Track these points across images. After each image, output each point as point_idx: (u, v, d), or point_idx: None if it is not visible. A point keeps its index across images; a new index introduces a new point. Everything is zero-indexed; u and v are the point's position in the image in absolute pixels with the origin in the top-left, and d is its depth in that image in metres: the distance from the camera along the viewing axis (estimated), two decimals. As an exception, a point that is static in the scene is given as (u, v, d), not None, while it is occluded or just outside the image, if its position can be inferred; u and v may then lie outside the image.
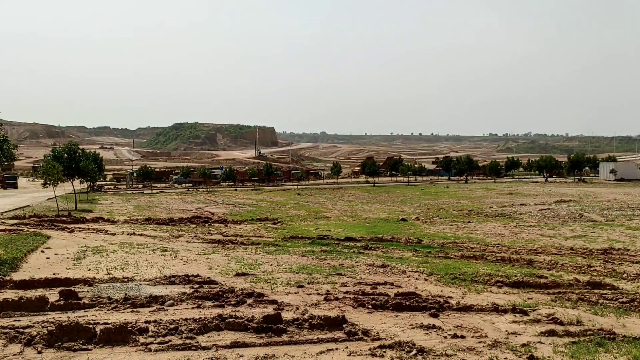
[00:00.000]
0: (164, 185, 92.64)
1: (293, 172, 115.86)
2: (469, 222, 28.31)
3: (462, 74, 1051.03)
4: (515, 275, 13.56)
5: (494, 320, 9.56)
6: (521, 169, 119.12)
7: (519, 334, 8.79)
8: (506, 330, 8.98)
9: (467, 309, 10.22)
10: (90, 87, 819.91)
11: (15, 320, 8.85)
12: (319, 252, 17.84)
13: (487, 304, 10.57)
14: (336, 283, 12.61)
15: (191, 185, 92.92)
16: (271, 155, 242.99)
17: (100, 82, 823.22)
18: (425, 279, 13.33)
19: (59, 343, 7.73)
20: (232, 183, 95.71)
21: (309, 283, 12.54)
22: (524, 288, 12.35)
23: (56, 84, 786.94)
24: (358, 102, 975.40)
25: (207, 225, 27.71)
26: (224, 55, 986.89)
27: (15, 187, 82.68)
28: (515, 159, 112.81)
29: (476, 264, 15.56)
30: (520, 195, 48.69)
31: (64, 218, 28.17)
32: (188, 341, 7.99)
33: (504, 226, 26.03)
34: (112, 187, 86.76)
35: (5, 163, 15.21)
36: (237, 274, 13.56)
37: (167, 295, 10.69)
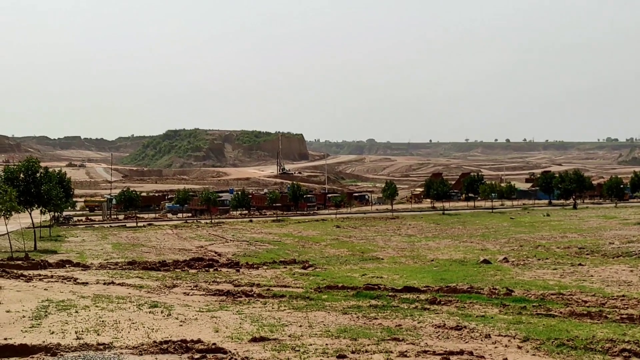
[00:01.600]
0: (153, 215, 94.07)
1: (330, 195, 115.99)
2: (580, 264, 27.78)
3: (562, 56, 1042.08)
4: (649, 342, 13.19)
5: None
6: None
7: None
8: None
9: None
10: (52, 84, 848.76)
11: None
12: (366, 308, 17.70)
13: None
14: (391, 352, 12.48)
15: (190, 215, 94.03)
16: (299, 173, 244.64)
17: (66, 76, 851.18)
18: (519, 347, 13.09)
19: None
20: (247, 212, 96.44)
21: (353, 352, 12.44)
22: (663, 360, 12.00)
23: (6, 79, 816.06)
24: (418, 98, 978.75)
25: (212, 270, 27.92)
26: (232, 40, 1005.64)
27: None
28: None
29: (592, 325, 15.22)
30: (654, 226, 47.64)
31: (19, 262, 28.79)
32: None
33: (631, 270, 25.44)
34: (84, 218, 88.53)
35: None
36: (254, 339, 13.55)
37: (158, 368, 10.75)
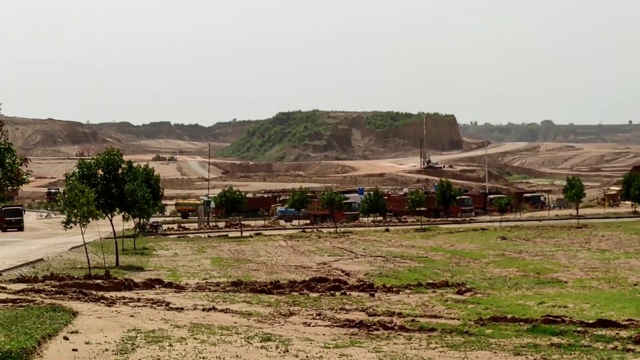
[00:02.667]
0: (261, 222, 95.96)
1: (492, 196, 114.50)
2: None
3: None
4: None
5: None
6: None
7: None
8: None
9: None
10: (135, 60, 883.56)
11: None
12: (546, 348, 17.31)
13: None
14: (584, 408, 12.15)
15: (309, 222, 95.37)
16: (450, 167, 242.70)
17: (150, 51, 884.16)
18: None
19: None
20: (381, 218, 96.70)
21: (531, 406, 12.20)
22: None
23: (84, 59, 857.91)
24: (613, 66, 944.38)
25: (338, 294, 28.08)
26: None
27: (21, 229, 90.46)
28: None
29: None
30: None
31: (99, 281, 30.09)
32: None
33: None
34: (176, 226, 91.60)
35: (9, 188, 16.52)
36: (397, 386, 13.55)
37: (275, 420, 10.92)
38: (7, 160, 15.58)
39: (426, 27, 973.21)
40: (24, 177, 16.06)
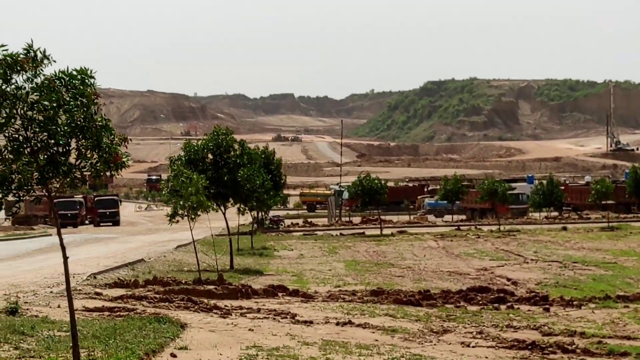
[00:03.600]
0: (405, 217, 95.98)
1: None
2: None
3: None
4: None
5: None
6: None
7: None
8: None
9: None
10: (252, 23, 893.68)
11: None
12: None
13: None
14: None
15: (465, 217, 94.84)
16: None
17: (270, 10, 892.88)
18: None
19: None
20: (556, 213, 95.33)
21: None
22: None
23: (185, 23, 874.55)
24: None
25: (504, 307, 27.85)
26: None
27: (117, 223, 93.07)
28: None
29: None
30: None
31: (211, 287, 30.65)
32: None
33: None
34: (301, 221, 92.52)
35: (106, 174, 16.81)
36: None
37: None
38: (104, 140, 15.78)
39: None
40: (124, 160, 16.24)
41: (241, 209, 47.00)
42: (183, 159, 41.10)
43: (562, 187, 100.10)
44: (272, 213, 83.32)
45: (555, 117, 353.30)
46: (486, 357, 19.30)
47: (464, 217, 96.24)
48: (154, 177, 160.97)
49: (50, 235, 67.13)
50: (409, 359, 18.62)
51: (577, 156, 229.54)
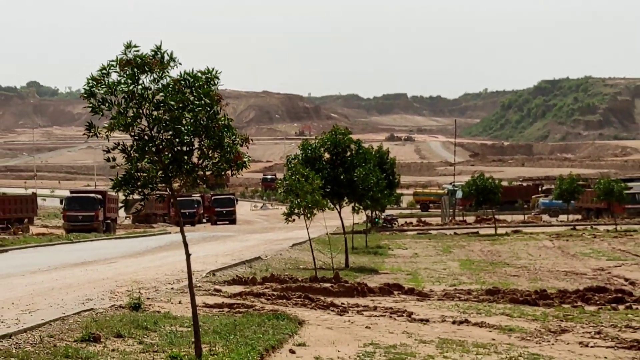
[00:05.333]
0: (520, 216, 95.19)
1: None
2: None
3: None
4: None
5: None
6: None
7: None
8: None
9: None
10: (365, 22, 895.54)
11: None
12: None
13: None
14: None
15: (580, 217, 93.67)
16: None
17: (381, 10, 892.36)
18: None
19: None
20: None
21: None
22: None
23: (303, 23, 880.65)
24: None
25: (622, 307, 27.47)
26: None
27: (233, 221, 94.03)
28: None
29: None
30: None
31: (327, 285, 30.81)
32: None
33: None
34: (415, 220, 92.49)
35: (227, 174, 17.01)
36: None
37: None
38: (226, 140, 15.92)
39: None
40: (245, 160, 16.35)
41: (356, 207, 47.09)
42: (300, 157, 41.28)
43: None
44: (386, 212, 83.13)
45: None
46: (605, 358, 19.07)
47: (579, 216, 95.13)
48: (269, 177, 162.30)
49: (169, 233, 68.23)
50: (527, 358, 18.51)
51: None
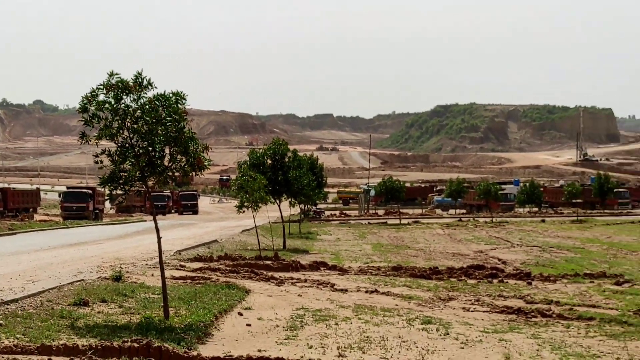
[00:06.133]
0: (419, 210, 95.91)
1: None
2: None
3: None
4: None
5: None
6: None
7: None
8: None
9: None
10: (300, 54, 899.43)
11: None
12: None
13: None
14: None
15: (465, 211, 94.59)
16: (607, 160, 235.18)
17: (315, 46, 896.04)
18: None
19: None
20: (537, 209, 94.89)
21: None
22: None
23: (251, 53, 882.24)
24: None
25: (496, 281, 27.78)
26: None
27: (196, 212, 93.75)
28: None
29: None
30: None
31: (269, 262, 30.84)
32: None
33: None
34: (338, 212, 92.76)
35: (191, 174, 17.13)
36: (558, 373, 13.34)
37: (438, 399, 10.95)
38: (191, 148, 16.19)
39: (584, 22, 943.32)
40: (206, 163, 16.62)
41: (292, 202, 47.23)
42: (249, 162, 41.35)
43: (542, 189, 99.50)
44: (315, 206, 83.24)
45: (536, 134, 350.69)
46: (482, 319, 19.29)
47: (464, 211, 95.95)
48: (225, 177, 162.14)
49: (145, 221, 67.59)
50: (422, 320, 18.67)
51: (554, 165, 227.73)
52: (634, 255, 40.59)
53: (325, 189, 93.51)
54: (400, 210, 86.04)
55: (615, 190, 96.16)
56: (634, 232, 58.27)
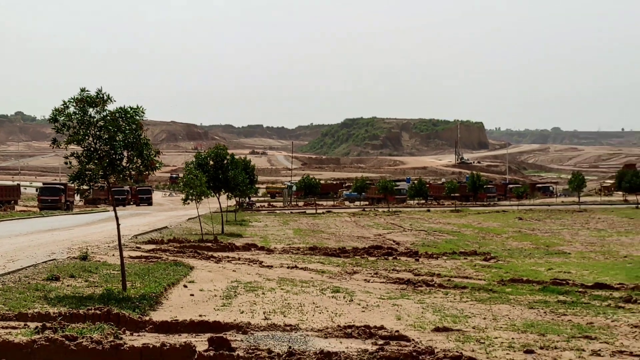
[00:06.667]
0: (331, 202, 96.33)
1: (511, 186, 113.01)
2: None
3: None
4: None
5: None
6: None
7: None
8: None
9: None
10: (238, 75, 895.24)
11: (158, 373, 9.82)
12: (554, 304, 17.17)
13: None
14: (584, 350, 12.00)
15: (367, 203, 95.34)
16: (478, 162, 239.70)
17: (249, 69, 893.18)
18: None
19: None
20: (424, 201, 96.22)
21: (542, 348, 12.10)
22: None
23: (197, 73, 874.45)
24: (606, 85, 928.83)
25: (391, 258, 28.16)
26: (416, 29, 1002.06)
27: (150, 204, 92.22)
28: None
29: None
30: None
31: (209, 244, 30.63)
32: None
33: None
34: (266, 204, 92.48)
35: (145, 173, 16.96)
36: (437, 329, 13.57)
37: (343, 352, 11.02)
38: (145, 152, 16.06)
39: (453, 54, 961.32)
40: (157, 165, 16.54)
41: (229, 196, 46.97)
42: (194, 164, 41.01)
43: (427, 185, 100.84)
44: (248, 199, 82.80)
45: (423, 142, 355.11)
46: (380, 289, 19.54)
47: (367, 202, 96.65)
48: (174, 176, 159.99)
49: (108, 211, 66.21)
50: (332, 289, 18.80)
51: (437, 166, 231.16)
52: (498, 237, 41.62)
53: (256, 185, 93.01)
54: (316, 202, 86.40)
55: (484, 186, 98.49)
56: (499, 219, 59.67)
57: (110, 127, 15.54)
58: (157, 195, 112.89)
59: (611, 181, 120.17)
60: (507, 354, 11.67)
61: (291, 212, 73.52)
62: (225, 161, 42.74)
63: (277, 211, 76.89)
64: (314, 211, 73.48)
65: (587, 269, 25.40)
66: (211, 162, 41.88)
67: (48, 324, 12.03)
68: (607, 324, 14.61)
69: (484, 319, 15.00)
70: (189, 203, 35.44)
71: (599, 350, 12.08)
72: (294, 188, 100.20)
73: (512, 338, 12.91)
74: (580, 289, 19.52)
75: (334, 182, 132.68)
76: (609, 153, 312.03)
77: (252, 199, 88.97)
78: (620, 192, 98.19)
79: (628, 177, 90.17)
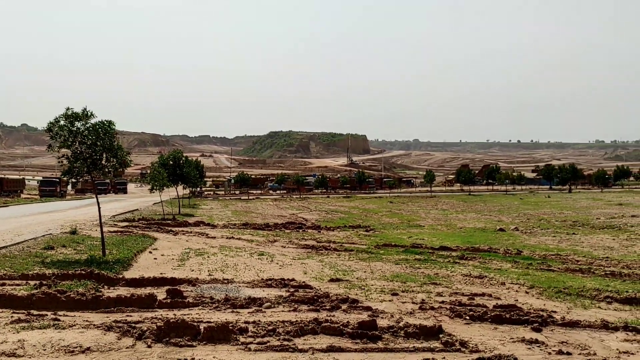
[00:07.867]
0: (259, 191, 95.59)
1: (385, 180, 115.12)
2: (574, 233, 26.72)
3: (566, 77, 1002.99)
4: (627, 292, 12.62)
5: (603, 338, 8.97)
6: (632, 179, 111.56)
7: (632, 354, 8.19)
8: (617, 349, 8.40)
9: (573, 324, 9.66)
10: (191, 98, 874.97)
11: (127, 316, 9.53)
12: (412, 261, 17.62)
13: (596, 321, 9.94)
14: (431, 292, 12.40)
15: (285, 192, 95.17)
16: (363, 163, 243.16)
17: (202, 94, 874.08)
18: (526, 292, 12.75)
19: (167, 338, 8.22)
20: (325, 190, 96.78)
21: (403, 291, 12.42)
22: (638, 305, 11.49)
23: (163, 96, 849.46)
24: (452, 108, 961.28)
25: (301, 231, 28.21)
26: (319, 64, 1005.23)
27: (125, 192, 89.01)
28: (625, 168, 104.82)
29: (582, 278, 14.65)
30: (632, 207, 45.21)
31: (169, 222, 29.86)
32: (285, 343, 8.19)
33: (613, 239, 24.30)
34: (212, 193, 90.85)
35: (120, 169, 16.40)
36: (332, 280, 13.71)
37: (265, 297, 11.02)
38: (119, 154, 15.61)
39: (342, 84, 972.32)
40: (128, 162, 16.13)
41: (185, 187, 45.91)
42: (158, 163, 39.89)
43: (328, 179, 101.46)
44: (198, 189, 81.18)
45: (325, 149, 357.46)
46: (292, 252, 19.52)
47: (285, 191, 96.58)
48: (143, 172, 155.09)
49: (93, 198, 63.59)
50: (258, 253, 18.67)
51: (335, 166, 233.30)
52: (376, 215, 42.31)
53: (205, 179, 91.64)
54: (248, 191, 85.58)
55: (367, 180, 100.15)
56: (376, 203, 60.70)
57: (91, 136, 15.01)
58: (130, 186, 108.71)
59: (452, 176, 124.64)
60: (380, 296, 11.93)
61: (230, 199, 72.55)
62: (182, 161, 41.79)
63: (220, 198, 75.68)
64: (246, 198, 72.76)
65: (435, 237, 26.21)
66: (171, 162, 40.83)
67: (44, 282, 11.51)
68: (447, 274, 15.14)
69: (364, 272, 15.27)
70: (154, 192, 34.45)
71: (441, 292, 12.52)
72: (232, 181, 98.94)
73: (383, 285, 13.20)
74: (430, 251, 20.13)
75: (262, 177, 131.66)
76: (451, 157, 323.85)
77: (201, 189, 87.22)
78: (458, 184, 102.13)
79: (464, 173, 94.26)
